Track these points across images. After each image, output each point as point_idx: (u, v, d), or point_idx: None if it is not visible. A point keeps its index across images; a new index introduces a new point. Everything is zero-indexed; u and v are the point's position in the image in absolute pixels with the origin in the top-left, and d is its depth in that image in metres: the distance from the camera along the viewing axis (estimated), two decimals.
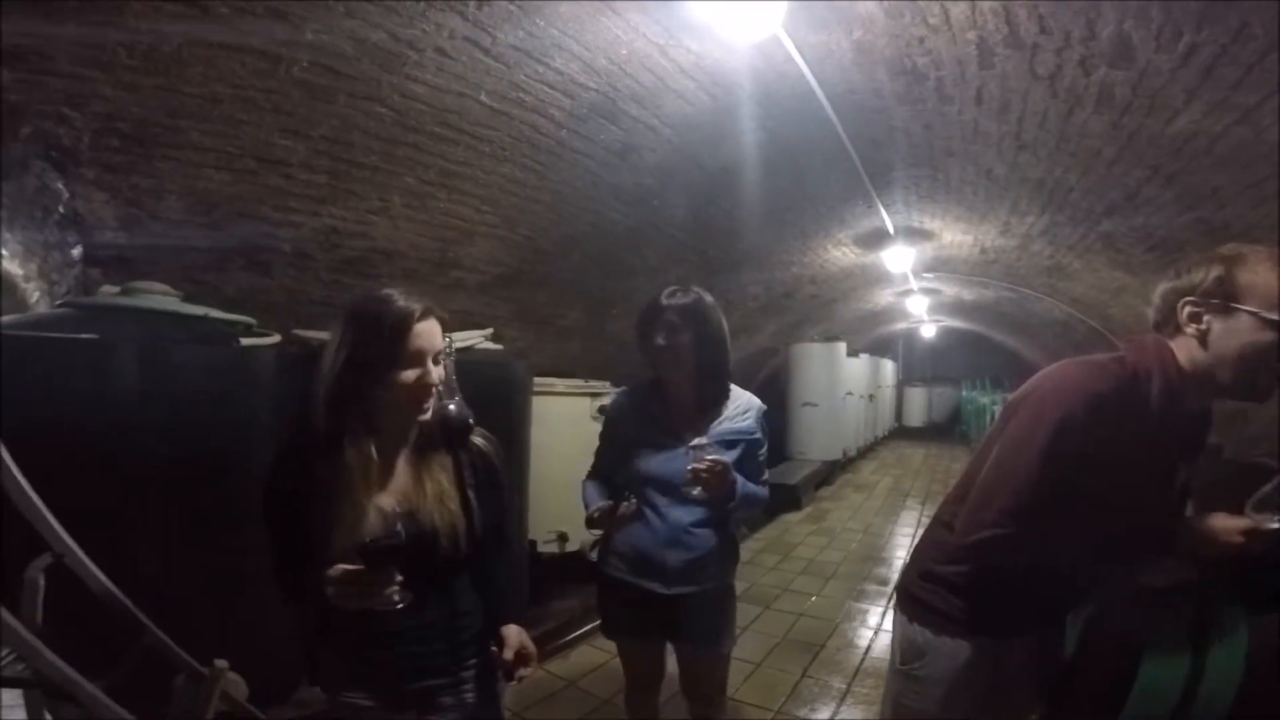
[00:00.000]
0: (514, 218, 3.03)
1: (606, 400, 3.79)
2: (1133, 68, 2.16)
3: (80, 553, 1.32)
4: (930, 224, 4.86)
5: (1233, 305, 1.02)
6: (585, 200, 3.20)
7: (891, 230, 4.93)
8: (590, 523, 1.68)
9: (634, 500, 1.65)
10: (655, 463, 1.61)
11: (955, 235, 5.10)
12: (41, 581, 1.24)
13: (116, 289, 1.90)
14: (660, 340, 1.57)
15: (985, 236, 5.02)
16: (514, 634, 1.16)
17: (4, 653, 1.10)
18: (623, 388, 1.84)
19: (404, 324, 1.03)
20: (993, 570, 1.27)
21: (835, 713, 2.60)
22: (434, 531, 1.11)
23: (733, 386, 1.69)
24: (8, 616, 1.05)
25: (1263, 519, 1.07)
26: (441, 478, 1.15)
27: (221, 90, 1.92)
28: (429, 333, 1.06)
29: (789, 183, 3.79)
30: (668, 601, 1.62)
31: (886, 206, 4.42)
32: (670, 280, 4.56)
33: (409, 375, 1.04)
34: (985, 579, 1.29)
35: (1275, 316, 0.98)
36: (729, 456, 1.54)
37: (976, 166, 3.63)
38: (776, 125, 3.06)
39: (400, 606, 1.00)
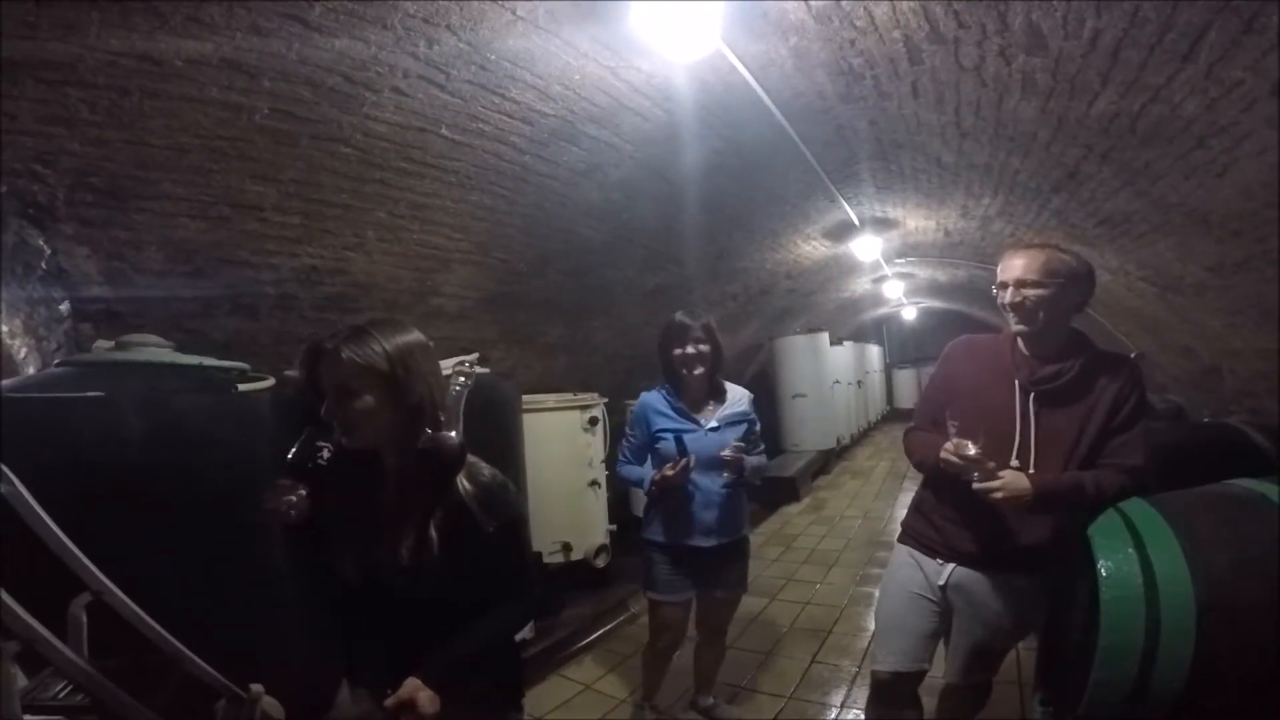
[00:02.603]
0: (487, 243, 3.14)
1: (596, 412, 3.94)
2: (1048, 55, 2.30)
3: (116, 589, 1.39)
4: (893, 212, 5.01)
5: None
6: (556, 220, 3.30)
7: (857, 221, 5.08)
8: (659, 484, 2.06)
9: (684, 459, 2.03)
10: (686, 441, 2.07)
11: (918, 221, 5.25)
12: (84, 618, 1.31)
13: (110, 343, 1.98)
14: (690, 350, 2.12)
15: (947, 220, 5.17)
16: (408, 686, 1.06)
17: (61, 685, 1.18)
18: (646, 391, 2.28)
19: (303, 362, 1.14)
20: (918, 493, 1.84)
21: (847, 695, 2.67)
22: (389, 569, 1.13)
23: (725, 382, 2.27)
24: (66, 650, 1.13)
25: (959, 445, 1.48)
26: (408, 514, 1.14)
27: (187, 140, 2.00)
28: (326, 370, 1.11)
29: (751, 186, 3.92)
30: (708, 552, 2.13)
31: (848, 199, 4.55)
32: (647, 289, 4.71)
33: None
34: (916, 499, 1.84)
35: (993, 287, 1.65)
36: (736, 432, 2.14)
37: (926, 156, 3.78)
38: (732, 133, 3.18)
39: (290, 515, 1.09)
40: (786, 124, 3.17)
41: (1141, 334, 5.28)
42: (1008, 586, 1.61)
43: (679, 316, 2.17)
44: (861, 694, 2.64)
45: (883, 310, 11.99)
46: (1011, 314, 1.58)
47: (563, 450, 3.54)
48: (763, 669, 2.92)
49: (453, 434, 1.17)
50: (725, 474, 2.09)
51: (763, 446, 2.29)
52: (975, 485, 1.46)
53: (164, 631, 1.46)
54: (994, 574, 1.62)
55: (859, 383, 10.02)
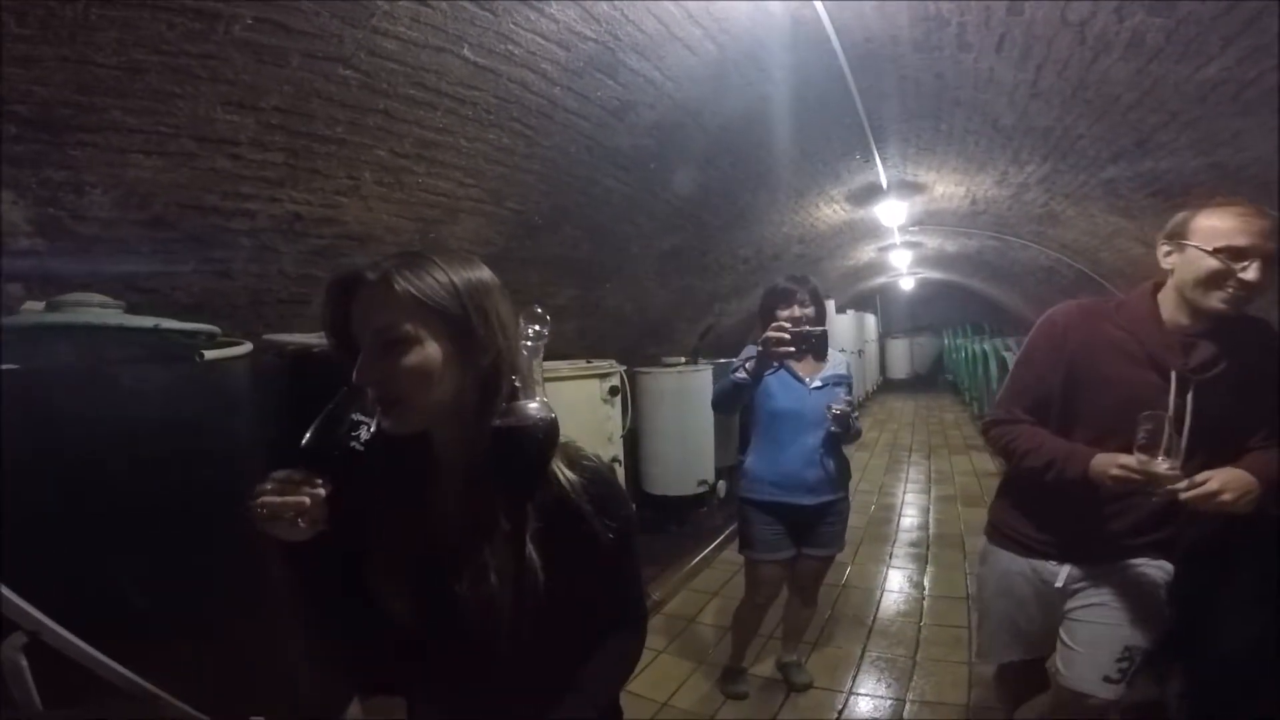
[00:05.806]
0: (501, 190, 2.72)
1: (616, 380, 3.60)
2: (1171, 15, 2.03)
3: (57, 626, 1.12)
4: (925, 176, 4.70)
5: (1183, 242, 1.30)
6: (578, 166, 2.89)
7: (885, 185, 4.75)
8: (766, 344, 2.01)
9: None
10: (790, 399, 2.18)
11: (948, 187, 4.95)
12: (23, 662, 1.05)
13: (42, 305, 1.57)
14: (795, 312, 2.16)
15: (979, 187, 4.89)
16: None
17: None
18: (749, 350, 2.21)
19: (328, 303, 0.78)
20: (1009, 486, 1.59)
21: (908, 685, 2.55)
22: (463, 603, 0.77)
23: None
24: None
25: (1145, 461, 1.20)
26: (490, 523, 0.77)
27: (145, 58, 1.54)
28: (365, 312, 0.75)
29: (788, 138, 3.54)
30: (810, 510, 2.19)
31: (884, 160, 4.22)
32: (664, 249, 4.32)
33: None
34: (1007, 494, 1.59)
35: (1208, 249, 1.25)
36: (838, 392, 2.18)
37: (983, 116, 3.46)
38: (784, 76, 2.80)
39: (300, 526, 0.69)
40: (848, 70, 2.79)
41: None
42: (1138, 580, 1.42)
43: (783, 281, 2.22)
44: (922, 684, 2.55)
45: (880, 279, 11.77)
46: (1230, 293, 1.24)
47: (580, 424, 3.21)
48: (811, 661, 2.72)
49: (535, 404, 0.80)
50: (833, 427, 2.10)
51: (858, 413, 2.27)
52: (1184, 495, 1.19)
53: (127, 671, 1.23)
54: (1120, 568, 1.43)
55: (860, 352, 9.84)
